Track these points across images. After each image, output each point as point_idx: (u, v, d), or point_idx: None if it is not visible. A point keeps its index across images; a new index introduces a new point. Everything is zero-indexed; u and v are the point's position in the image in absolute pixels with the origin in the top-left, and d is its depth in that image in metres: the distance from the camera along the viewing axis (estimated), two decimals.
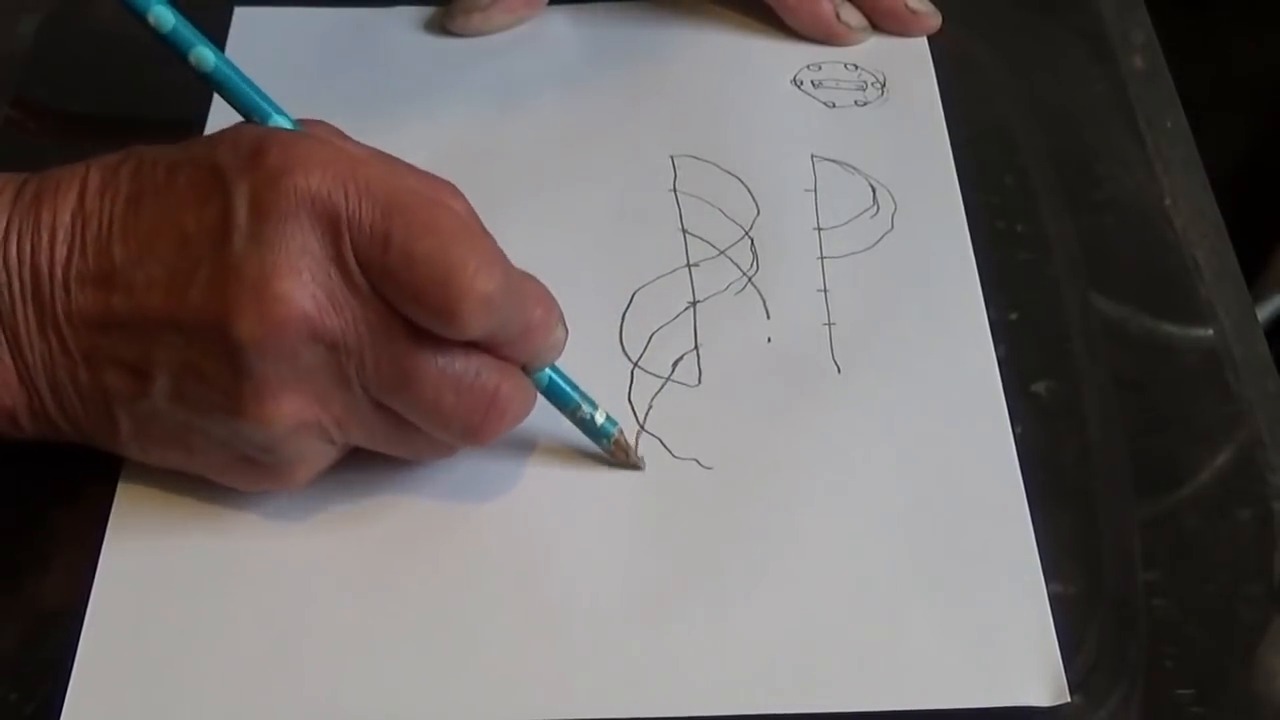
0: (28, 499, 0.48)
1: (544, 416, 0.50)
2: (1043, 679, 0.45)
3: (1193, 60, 0.66)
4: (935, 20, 0.64)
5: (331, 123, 0.60)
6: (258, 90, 0.47)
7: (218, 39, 0.62)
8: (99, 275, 0.44)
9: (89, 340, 0.45)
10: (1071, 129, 0.61)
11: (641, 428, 0.50)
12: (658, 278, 0.55)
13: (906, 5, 0.64)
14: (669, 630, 0.46)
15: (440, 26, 0.64)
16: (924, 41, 0.64)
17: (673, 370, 0.52)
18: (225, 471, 0.47)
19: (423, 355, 0.44)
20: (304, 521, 0.48)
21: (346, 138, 0.46)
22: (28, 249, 0.44)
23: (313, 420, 0.45)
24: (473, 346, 0.45)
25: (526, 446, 0.50)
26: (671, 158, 0.59)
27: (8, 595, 0.46)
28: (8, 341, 0.45)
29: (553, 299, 0.47)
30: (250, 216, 0.43)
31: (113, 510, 0.48)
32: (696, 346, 0.53)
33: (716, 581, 0.47)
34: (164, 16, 0.45)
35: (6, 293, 0.44)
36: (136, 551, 0.47)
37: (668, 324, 0.54)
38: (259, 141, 0.44)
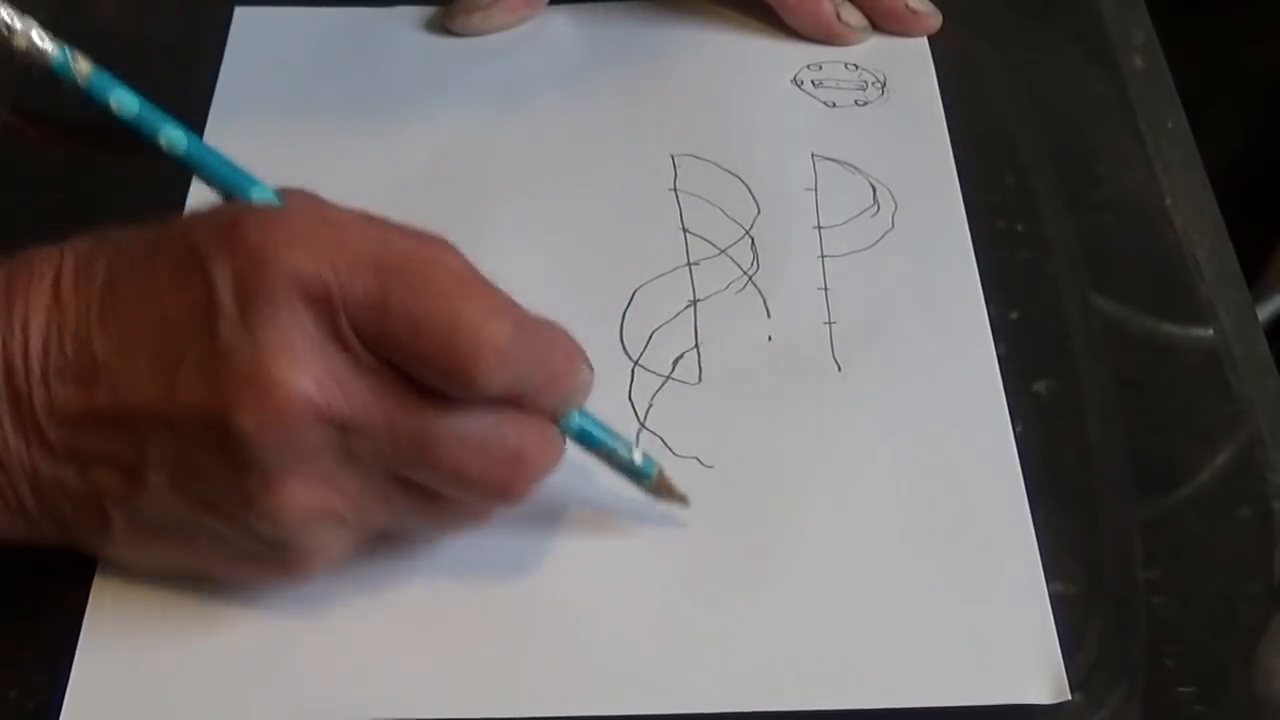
0: None
1: None
2: (1044, 677, 0.45)
3: (1193, 60, 0.66)
4: (935, 20, 0.64)
5: (332, 123, 0.61)
6: (232, 165, 0.44)
7: (218, 39, 0.63)
8: (80, 370, 0.41)
9: (74, 438, 0.42)
10: (1072, 129, 0.61)
11: (642, 426, 0.50)
12: (658, 276, 0.55)
13: (907, 5, 0.64)
14: (669, 628, 0.46)
15: (440, 26, 0.64)
16: (924, 41, 0.64)
17: (673, 369, 0.52)
18: (231, 568, 0.44)
19: (439, 420, 0.42)
20: None
21: (327, 204, 0.43)
22: None
23: (326, 507, 0.42)
24: (493, 401, 0.42)
25: None
26: (672, 157, 0.59)
27: (8, 593, 0.46)
28: None
29: (574, 341, 0.44)
30: (236, 301, 0.40)
31: None
32: (697, 345, 0.53)
33: (717, 580, 0.47)
34: (127, 102, 0.43)
35: None
36: None
37: (668, 322, 0.54)
38: (234, 219, 0.41)
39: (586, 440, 0.46)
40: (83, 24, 0.63)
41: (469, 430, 0.42)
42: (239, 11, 0.64)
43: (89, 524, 0.43)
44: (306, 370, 0.40)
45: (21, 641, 0.45)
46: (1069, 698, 0.44)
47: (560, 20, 0.65)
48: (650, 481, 0.47)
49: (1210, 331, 0.54)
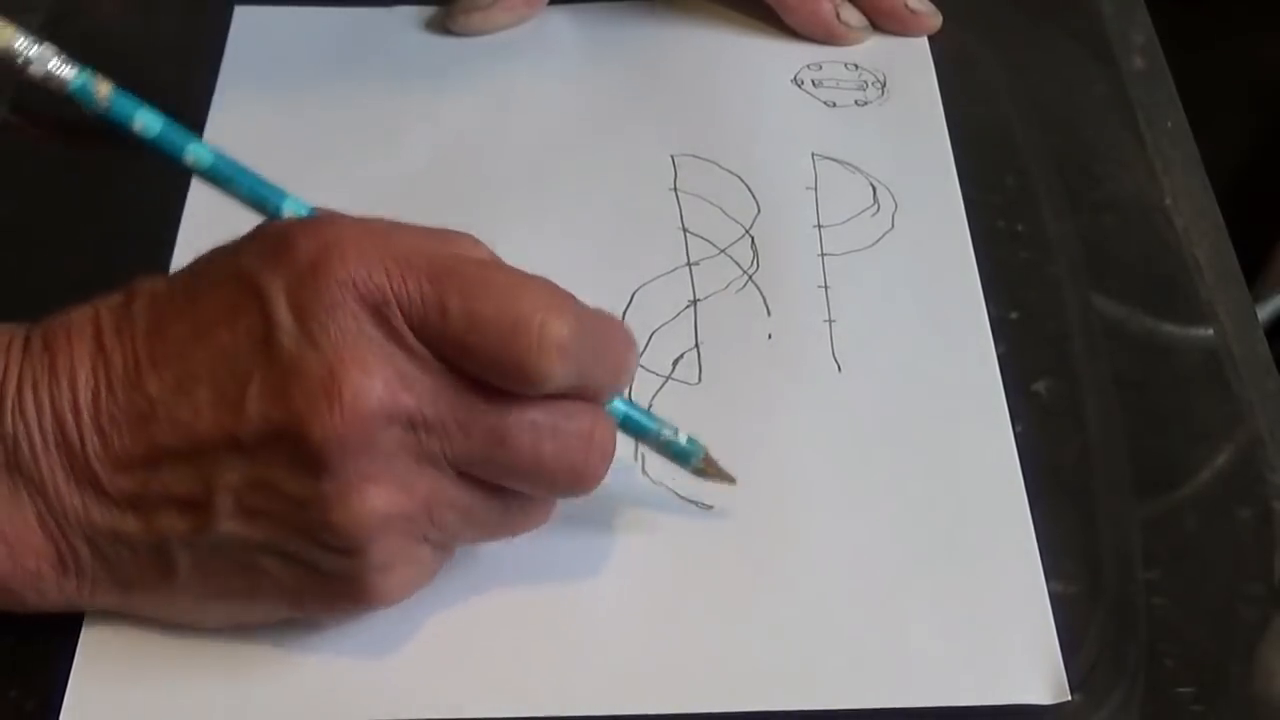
0: None
1: None
2: (1043, 677, 0.45)
3: (1193, 60, 0.66)
4: (935, 20, 0.64)
5: (332, 122, 0.61)
6: (261, 180, 0.44)
7: (218, 39, 0.63)
8: (134, 414, 0.41)
9: (134, 483, 0.41)
10: (1072, 129, 0.61)
11: None
12: (658, 276, 0.55)
13: (906, 5, 0.64)
14: (669, 628, 0.46)
15: (441, 26, 0.64)
16: (924, 41, 0.64)
17: (673, 368, 0.52)
18: (300, 601, 0.44)
19: (511, 411, 0.42)
20: None
21: (357, 218, 0.43)
22: (46, 398, 0.41)
23: (400, 513, 0.41)
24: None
25: None
26: (672, 157, 0.59)
27: None
28: (32, 497, 0.42)
29: (627, 329, 0.45)
30: (293, 315, 0.40)
31: None
32: (697, 345, 0.53)
33: (717, 580, 0.47)
34: (150, 122, 0.43)
35: (27, 446, 0.41)
36: None
37: (668, 322, 0.54)
38: (282, 237, 0.41)
39: (633, 423, 0.46)
40: (83, 24, 0.64)
41: (541, 418, 0.42)
42: (239, 11, 0.64)
43: (152, 573, 0.43)
44: (374, 372, 0.40)
45: (21, 641, 0.45)
46: (1069, 698, 0.44)
47: (560, 20, 0.65)
48: (698, 461, 0.47)
49: (1210, 331, 0.54)
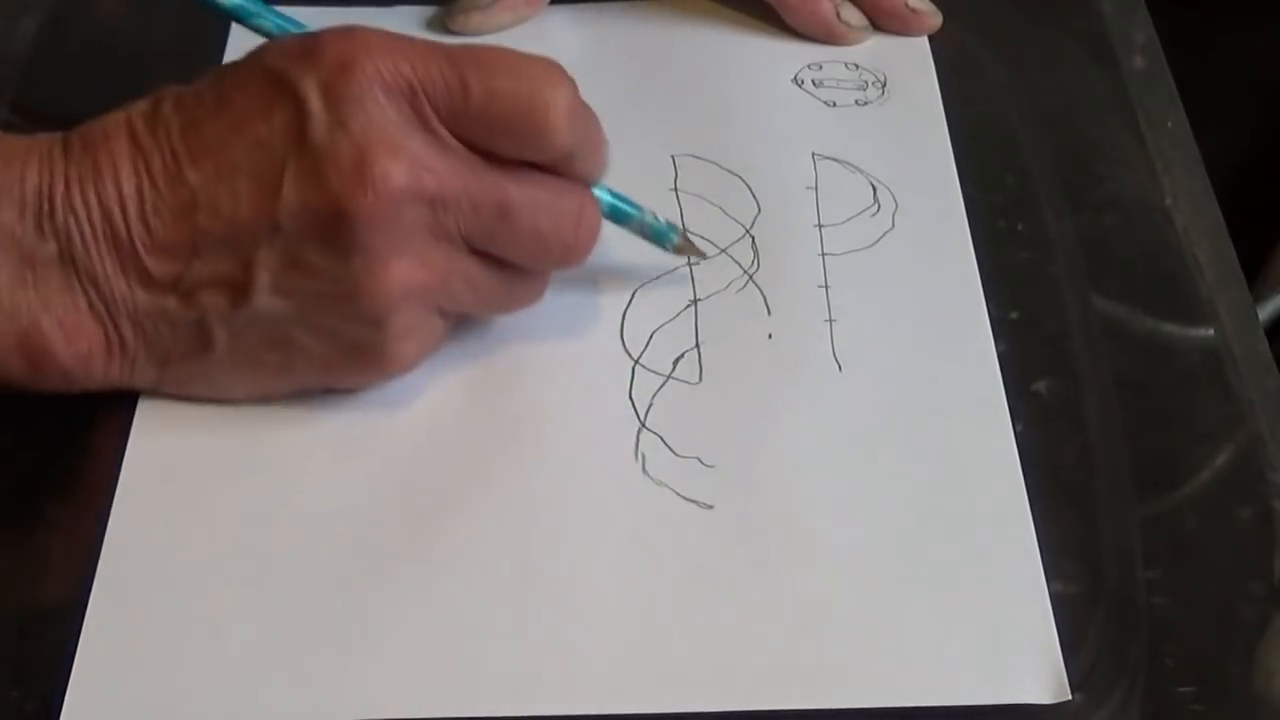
0: (27, 497, 0.48)
1: (542, 415, 0.50)
2: (1043, 677, 0.45)
3: (1193, 60, 0.66)
4: (936, 20, 0.64)
5: None
6: (284, 16, 0.51)
7: (218, 39, 0.63)
8: (177, 203, 0.45)
9: (177, 266, 0.46)
10: (1072, 129, 0.61)
11: (643, 425, 0.50)
12: (659, 276, 0.55)
13: (907, 5, 0.64)
14: (669, 627, 0.46)
15: (441, 26, 0.64)
16: (925, 41, 0.64)
17: (674, 368, 0.52)
18: (330, 366, 0.48)
19: (513, 188, 0.47)
20: (303, 521, 0.48)
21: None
22: (93, 194, 0.45)
23: (420, 285, 0.46)
24: (547, 171, 0.48)
25: (526, 447, 0.50)
26: (672, 157, 0.59)
27: (7, 592, 0.46)
28: (83, 284, 0.46)
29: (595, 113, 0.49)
30: (325, 106, 0.44)
31: (113, 508, 0.48)
32: (697, 344, 0.53)
33: (717, 579, 0.47)
34: None
35: (79, 239, 0.46)
36: (137, 549, 0.47)
37: (669, 322, 0.54)
38: (312, 39, 0.46)
39: (618, 209, 0.52)
40: (83, 24, 0.63)
41: (539, 195, 0.47)
42: None
43: (191, 349, 0.48)
44: (400, 155, 0.45)
45: (22, 641, 0.45)
46: (1069, 698, 0.44)
47: (560, 20, 0.65)
48: (675, 241, 0.53)
49: (1210, 331, 0.54)
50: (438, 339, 0.50)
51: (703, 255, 0.54)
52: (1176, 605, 0.46)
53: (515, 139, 0.46)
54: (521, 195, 0.47)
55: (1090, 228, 0.57)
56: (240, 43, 0.62)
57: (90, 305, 0.46)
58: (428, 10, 0.65)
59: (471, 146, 0.46)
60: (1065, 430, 0.51)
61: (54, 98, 0.61)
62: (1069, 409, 0.51)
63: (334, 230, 0.45)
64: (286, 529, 0.48)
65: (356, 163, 0.44)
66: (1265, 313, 0.90)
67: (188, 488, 0.49)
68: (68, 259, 0.46)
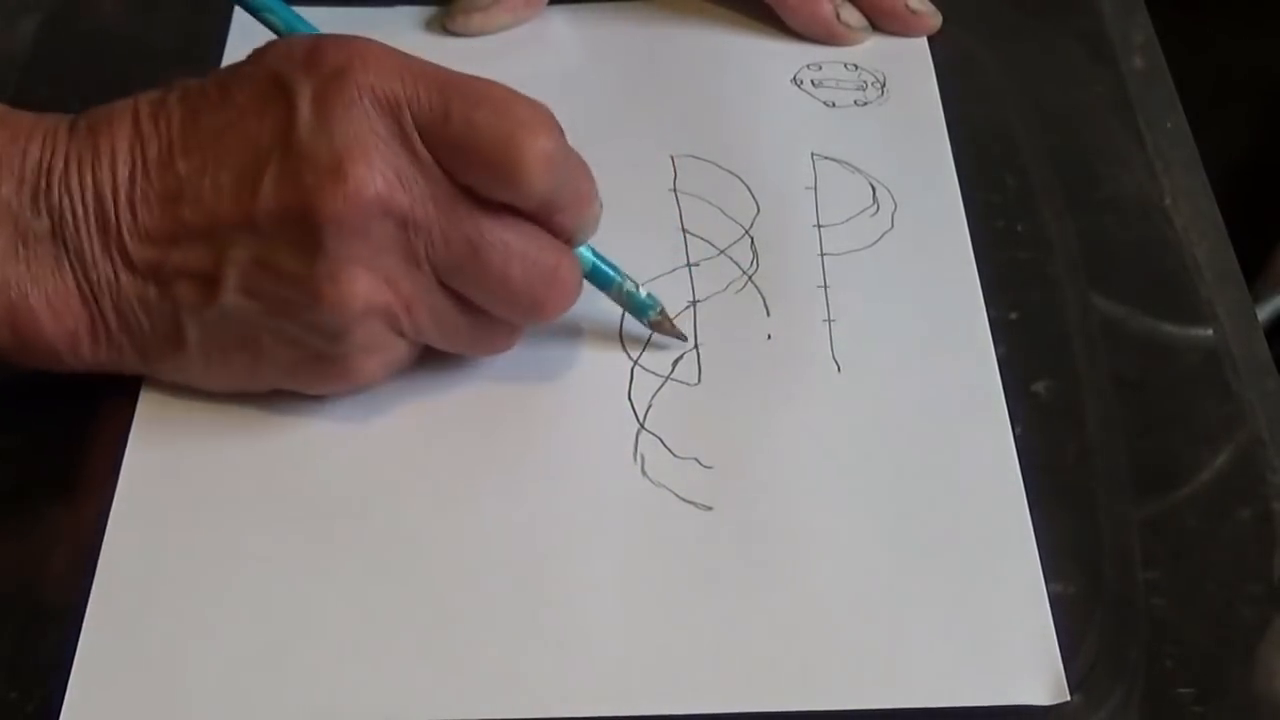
0: (27, 497, 0.48)
1: (541, 416, 0.50)
2: (1042, 678, 0.45)
3: (1193, 60, 0.66)
4: (935, 20, 0.64)
5: None
6: (293, 13, 0.52)
7: (218, 39, 0.63)
8: (165, 192, 0.46)
9: (157, 255, 0.46)
10: (1071, 129, 0.61)
11: (642, 426, 0.50)
12: (658, 277, 0.55)
13: (907, 5, 0.64)
14: (668, 628, 0.46)
15: (440, 26, 0.64)
16: (924, 42, 0.64)
17: (673, 369, 0.52)
18: (294, 372, 0.49)
19: (489, 227, 0.46)
20: (303, 520, 0.48)
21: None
22: (89, 176, 0.46)
23: (383, 303, 0.46)
24: (530, 221, 0.47)
25: (525, 447, 0.50)
26: (672, 157, 0.59)
27: (7, 594, 0.46)
28: (72, 264, 0.47)
29: (591, 171, 0.49)
30: (314, 110, 0.45)
31: (113, 508, 0.48)
32: (697, 345, 0.53)
33: (716, 580, 0.47)
34: None
35: (70, 217, 0.46)
36: (137, 550, 0.47)
37: None
38: (314, 44, 0.46)
39: (598, 273, 0.51)
40: (83, 24, 0.64)
41: (515, 241, 0.47)
42: (239, 11, 0.64)
43: (164, 338, 0.48)
44: (377, 167, 0.45)
45: (22, 642, 0.45)
46: (1068, 698, 0.44)
47: (560, 20, 0.65)
48: (654, 314, 0.52)
49: (1210, 331, 0.54)
50: (402, 361, 0.49)
51: (683, 337, 0.52)
52: (1176, 606, 0.46)
53: (488, 176, 0.46)
54: (494, 236, 0.47)
55: (1090, 228, 0.57)
56: (240, 43, 0.63)
57: (78, 285, 0.47)
58: (428, 10, 0.65)
59: (453, 178, 0.46)
60: (1065, 431, 0.51)
61: (54, 98, 0.60)
62: (1069, 409, 0.51)
63: (303, 230, 0.45)
64: (287, 529, 0.48)
65: (333, 166, 0.45)
66: (1265, 313, 0.90)
67: (188, 488, 0.49)
68: (59, 237, 0.46)
